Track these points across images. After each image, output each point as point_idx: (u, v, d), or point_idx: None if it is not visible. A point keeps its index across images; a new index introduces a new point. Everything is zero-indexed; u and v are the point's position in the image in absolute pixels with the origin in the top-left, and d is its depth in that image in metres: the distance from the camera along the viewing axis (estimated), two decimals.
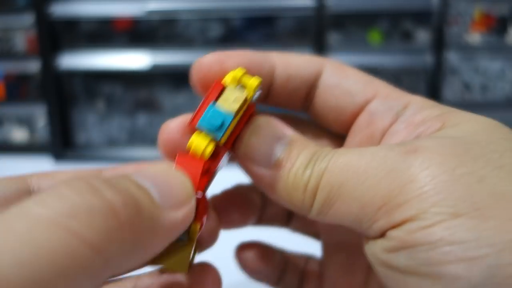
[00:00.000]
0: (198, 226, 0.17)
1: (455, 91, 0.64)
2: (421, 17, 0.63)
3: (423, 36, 0.64)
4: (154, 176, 0.14)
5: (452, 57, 0.63)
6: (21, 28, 0.67)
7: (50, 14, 0.64)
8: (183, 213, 0.14)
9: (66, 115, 0.70)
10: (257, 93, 0.19)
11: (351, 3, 0.62)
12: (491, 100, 0.64)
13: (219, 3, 0.63)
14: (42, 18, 0.64)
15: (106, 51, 0.66)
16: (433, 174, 0.15)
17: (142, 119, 0.71)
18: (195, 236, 0.16)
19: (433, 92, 0.64)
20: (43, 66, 0.66)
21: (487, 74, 0.64)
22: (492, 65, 0.63)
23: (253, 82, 0.18)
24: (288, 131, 0.19)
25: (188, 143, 0.17)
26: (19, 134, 0.72)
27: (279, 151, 0.18)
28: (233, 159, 0.20)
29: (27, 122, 0.72)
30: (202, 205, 0.17)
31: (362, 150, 0.17)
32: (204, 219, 0.17)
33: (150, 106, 0.70)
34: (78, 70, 0.67)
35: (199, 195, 0.17)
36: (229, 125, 0.17)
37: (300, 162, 0.18)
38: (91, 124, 0.72)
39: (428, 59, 0.62)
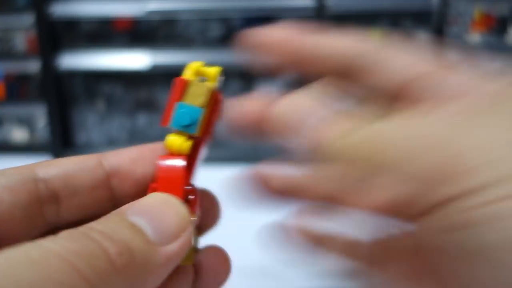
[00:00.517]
0: (194, 219, 0.17)
1: None
2: (421, 17, 0.63)
3: (423, 36, 0.64)
4: (148, 211, 0.15)
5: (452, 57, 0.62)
6: (21, 28, 0.67)
7: (50, 14, 0.64)
8: (179, 244, 0.15)
9: (66, 115, 0.70)
10: (221, 81, 0.19)
11: (351, 3, 0.62)
12: None
13: (219, 3, 0.63)
14: (42, 18, 0.64)
15: (106, 51, 0.66)
16: (499, 143, 0.13)
17: (142, 119, 0.71)
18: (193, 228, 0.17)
19: None
20: (43, 66, 0.66)
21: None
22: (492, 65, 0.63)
23: (213, 71, 0.18)
24: (325, 108, 0.18)
25: (166, 144, 0.18)
26: (19, 134, 0.72)
27: (317, 121, 0.17)
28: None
29: (27, 122, 0.72)
30: (193, 198, 0.18)
31: (414, 117, 0.16)
32: (197, 209, 0.18)
33: (150, 106, 0.70)
34: (78, 70, 0.67)
35: (189, 187, 0.18)
36: (200, 118, 0.18)
37: (341, 131, 0.16)
38: (91, 124, 0.72)
39: None
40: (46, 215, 0.17)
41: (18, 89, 0.71)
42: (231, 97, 0.20)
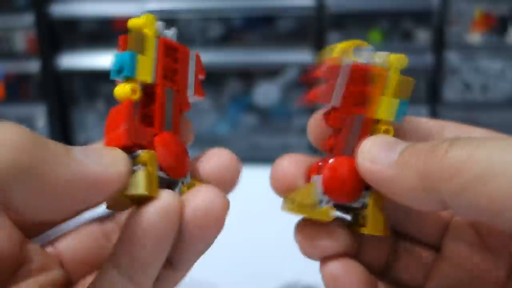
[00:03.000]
0: (148, 155, 0.17)
1: (455, 91, 0.64)
2: (421, 17, 0.63)
3: (423, 36, 0.64)
4: (90, 147, 0.16)
5: (452, 57, 0.63)
6: (21, 28, 0.67)
7: (50, 14, 0.64)
8: (107, 174, 0.15)
9: (66, 115, 0.70)
10: (163, 29, 0.20)
11: (351, 3, 0.62)
12: (491, 100, 0.64)
13: (219, 3, 0.63)
14: (42, 18, 0.64)
15: (106, 51, 0.66)
16: None
17: None
18: (146, 162, 0.17)
19: (433, 92, 0.64)
20: (43, 66, 0.66)
21: (487, 74, 0.64)
22: (492, 65, 0.63)
23: (147, 19, 0.19)
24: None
25: (114, 94, 0.18)
26: None
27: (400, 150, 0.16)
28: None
29: (27, 122, 0.72)
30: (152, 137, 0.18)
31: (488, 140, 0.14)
32: (158, 147, 0.18)
33: None
34: (78, 70, 0.67)
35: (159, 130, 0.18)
36: (135, 61, 0.18)
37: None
38: (91, 124, 0.72)
39: (428, 59, 0.62)
40: None
41: (18, 89, 0.71)
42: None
